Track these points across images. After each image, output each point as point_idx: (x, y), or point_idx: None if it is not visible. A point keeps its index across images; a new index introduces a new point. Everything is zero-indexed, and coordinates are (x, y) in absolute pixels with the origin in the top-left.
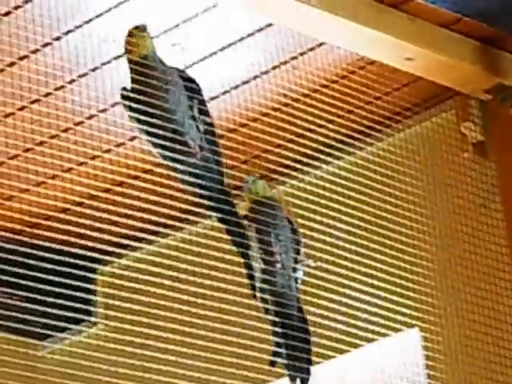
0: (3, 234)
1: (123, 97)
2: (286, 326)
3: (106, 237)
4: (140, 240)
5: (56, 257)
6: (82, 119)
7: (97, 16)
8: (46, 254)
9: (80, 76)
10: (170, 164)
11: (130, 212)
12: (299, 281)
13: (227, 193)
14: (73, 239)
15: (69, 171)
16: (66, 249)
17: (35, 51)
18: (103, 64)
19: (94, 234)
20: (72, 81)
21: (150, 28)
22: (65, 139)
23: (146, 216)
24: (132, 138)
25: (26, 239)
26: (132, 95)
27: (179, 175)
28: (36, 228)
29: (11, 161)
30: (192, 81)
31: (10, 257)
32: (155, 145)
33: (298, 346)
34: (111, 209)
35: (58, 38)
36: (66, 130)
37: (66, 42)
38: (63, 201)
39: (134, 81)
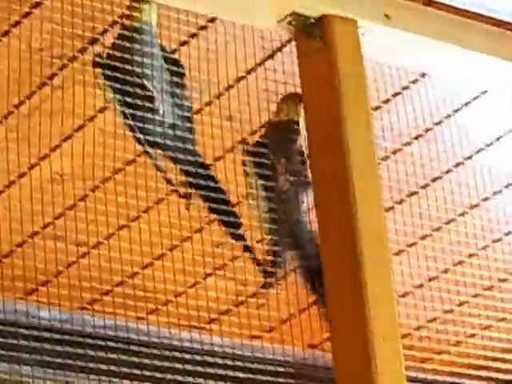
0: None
1: (97, 64)
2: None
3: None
4: None
5: None
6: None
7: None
8: None
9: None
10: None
11: None
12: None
13: (203, 166)
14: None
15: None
16: None
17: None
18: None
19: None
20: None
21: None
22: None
23: None
24: None
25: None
26: (111, 63)
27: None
28: None
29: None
30: (178, 64)
31: None
32: (126, 115)
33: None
34: None
35: None
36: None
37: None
38: None
39: (115, 46)
